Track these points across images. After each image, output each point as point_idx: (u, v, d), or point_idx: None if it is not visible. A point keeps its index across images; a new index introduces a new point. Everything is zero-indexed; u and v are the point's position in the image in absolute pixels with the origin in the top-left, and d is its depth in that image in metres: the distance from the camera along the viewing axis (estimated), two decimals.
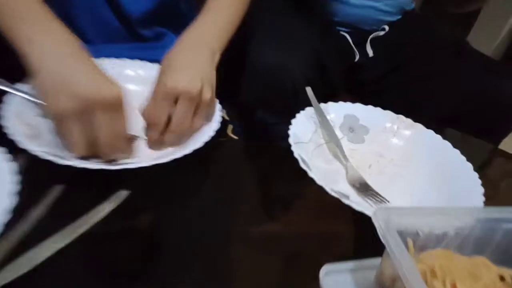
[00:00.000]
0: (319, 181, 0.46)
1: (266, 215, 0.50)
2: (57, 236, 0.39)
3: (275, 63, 0.72)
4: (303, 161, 0.49)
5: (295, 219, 0.50)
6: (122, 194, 0.44)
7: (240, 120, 0.63)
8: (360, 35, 0.89)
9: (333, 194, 0.45)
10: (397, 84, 0.84)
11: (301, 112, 0.59)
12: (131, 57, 0.67)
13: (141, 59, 0.65)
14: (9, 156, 0.40)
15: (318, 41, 0.79)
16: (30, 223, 0.40)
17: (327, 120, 0.60)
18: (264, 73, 0.72)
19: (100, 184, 0.47)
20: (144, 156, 0.49)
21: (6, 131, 0.43)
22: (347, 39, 0.89)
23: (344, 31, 0.89)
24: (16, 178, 0.38)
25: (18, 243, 0.39)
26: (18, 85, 0.51)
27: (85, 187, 0.46)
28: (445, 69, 0.82)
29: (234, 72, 0.77)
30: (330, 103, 0.63)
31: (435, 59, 0.84)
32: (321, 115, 0.60)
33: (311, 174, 0.46)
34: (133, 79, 0.60)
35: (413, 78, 0.83)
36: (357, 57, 0.87)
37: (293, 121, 0.56)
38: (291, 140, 0.52)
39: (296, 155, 0.49)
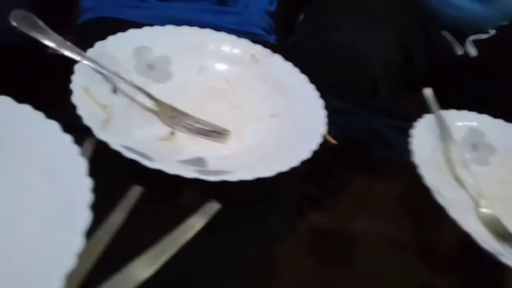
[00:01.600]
0: (464, 224, 0.36)
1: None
2: (143, 260, 0.31)
3: (346, 43, 0.58)
4: (438, 192, 0.39)
5: None
6: (213, 207, 0.36)
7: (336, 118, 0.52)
8: (458, 34, 0.74)
9: (488, 250, 0.34)
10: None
11: (421, 121, 0.48)
12: (201, 21, 0.58)
13: (212, 24, 0.55)
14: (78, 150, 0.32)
15: (404, 20, 0.65)
16: (111, 231, 0.32)
17: (450, 134, 0.49)
18: (333, 56, 0.59)
19: (181, 188, 0.39)
20: (241, 166, 0.39)
21: (78, 112, 0.35)
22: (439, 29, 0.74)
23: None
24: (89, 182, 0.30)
25: (100, 255, 0.31)
26: (91, 52, 0.43)
27: (164, 191, 0.39)
28: None
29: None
30: (452, 111, 0.51)
31: None
32: (443, 126, 0.49)
33: (452, 213, 0.36)
34: (227, 56, 0.50)
35: None
36: (460, 51, 0.72)
37: (414, 132, 0.46)
38: (416, 160, 0.42)
39: (428, 183, 0.39)
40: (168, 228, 0.34)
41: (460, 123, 0.51)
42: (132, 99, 0.44)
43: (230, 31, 0.54)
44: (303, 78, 0.49)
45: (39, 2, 0.49)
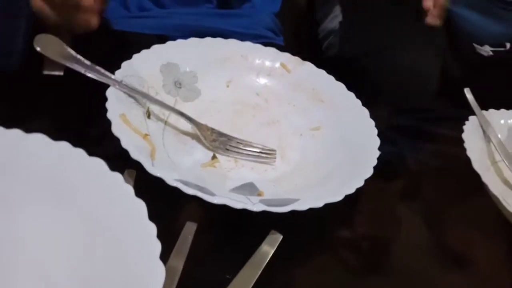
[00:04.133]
0: None
1: None
2: None
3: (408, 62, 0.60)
4: (504, 201, 0.37)
5: None
6: (276, 237, 0.33)
7: None
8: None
9: None
10: None
11: (467, 123, 0.46)
12: (208, 26, 0.55)
13: (219, 29, 0.53)
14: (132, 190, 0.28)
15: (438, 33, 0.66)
16: (174, 278, 0.28)
17: (495, 134, 0.47)
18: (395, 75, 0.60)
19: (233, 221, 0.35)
20: (300, 191, 0.36)
21: (124, 145, 0.31)
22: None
23: None
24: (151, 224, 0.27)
25: None
26: (120, 74, 0.39)
27: (218, 224, 0.35)
28: None
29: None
30: (492, 111, 0.50)
31: None
32: (487, 127, 0.48)
33: None
34: (255, 68, 0.47)
35: None
36: (489, 52, 0.71)
37: (464, 136, 0.44)
38: (476, 166, 0.40)
39: (494, 192, 0.37)
40: (232, 264, 0.31)
41: (502, 122, 0.50)
42: (165, 122, 0.41)
43: (238, 35, 0.52)
44: (341, 86, 0.47)
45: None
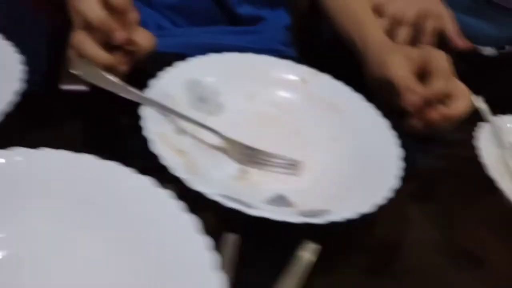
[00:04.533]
0: None
1: None
2: None
3: None
4: None
5: None
6: (314, 247, 0.34)
7: None
8: None
9: None
10: None
11: (480, 130, 0.48)
12: (223, 43, 0.56)
13: (234, 45, 0.54)
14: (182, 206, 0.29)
15: None
16: None
17: (506, 141, 0.49)
18: None
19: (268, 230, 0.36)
20: (331, 201, 0.37)
21: (164, 163, 0.32)
22: None
23: None
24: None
25: None
26: (150, 93, 0.39)
27: (254, 234, 0.36)
28: None
29: None
30: (501, 116, 0.52)
31: None
32: (500, 133, 0.49)
33: None
34: (273, 81, 0.48)
35: None
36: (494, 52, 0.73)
37: (478, 143, 0.45)
38: (491, 172, 0.41)
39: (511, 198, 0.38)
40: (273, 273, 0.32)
41: (509, 125, 0.52)
42: (194, 138, 0.42)
43: (252, 50, 0.52)
44: (358, 97, 0.48)
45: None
